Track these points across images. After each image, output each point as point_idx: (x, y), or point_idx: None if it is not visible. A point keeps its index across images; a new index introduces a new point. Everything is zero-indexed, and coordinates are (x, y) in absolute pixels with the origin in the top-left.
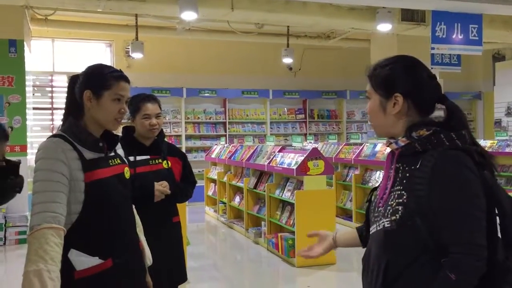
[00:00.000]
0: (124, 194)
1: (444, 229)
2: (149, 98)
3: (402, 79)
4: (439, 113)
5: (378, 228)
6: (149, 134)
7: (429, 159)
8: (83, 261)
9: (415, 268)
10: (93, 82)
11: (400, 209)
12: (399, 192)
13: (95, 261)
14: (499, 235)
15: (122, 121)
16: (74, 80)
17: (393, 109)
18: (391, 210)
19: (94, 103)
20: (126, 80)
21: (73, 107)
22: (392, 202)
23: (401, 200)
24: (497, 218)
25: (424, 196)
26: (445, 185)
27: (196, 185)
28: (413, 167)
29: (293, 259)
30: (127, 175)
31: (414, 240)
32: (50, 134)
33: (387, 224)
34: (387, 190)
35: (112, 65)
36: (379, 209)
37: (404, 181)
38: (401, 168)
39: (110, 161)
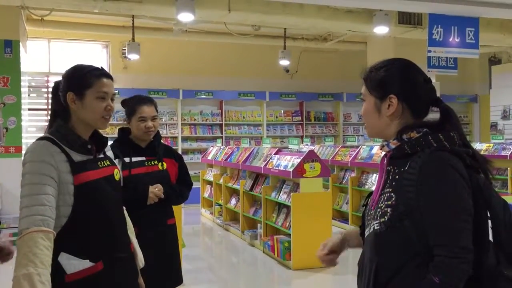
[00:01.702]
0: (114, 196)
1: (429, 231)
2: (145, 101)
3: (397, 81)
4: (434, 116)
5: (370, 231)
6: (144, 136)
7: (416, 160)
8: (73, 264)
9: (407, 271)
10: (74, 83)
11: (388, 211)
12: (388, 194)
13: (85, 264)
14: (491, 238)
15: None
16: (57, 85)
17: (387, 111)
18: (380, 212)
19: (78, 104)
20: (108, 76)
21: (60, 112)
22: (382, 205)
23: (390, 202)
24: (489, 221)
25: (412, 197)
26: (430, 186)
27: (192, 187)
28: (402, 169)
29: (289, 261)
30: (117, 177)
31: (403, 242)
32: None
33: (377, 226)
34: (378, 193)
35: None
36: (371, 212)
37: (394, 183)
38: (391, 170)
39: (99, 163)
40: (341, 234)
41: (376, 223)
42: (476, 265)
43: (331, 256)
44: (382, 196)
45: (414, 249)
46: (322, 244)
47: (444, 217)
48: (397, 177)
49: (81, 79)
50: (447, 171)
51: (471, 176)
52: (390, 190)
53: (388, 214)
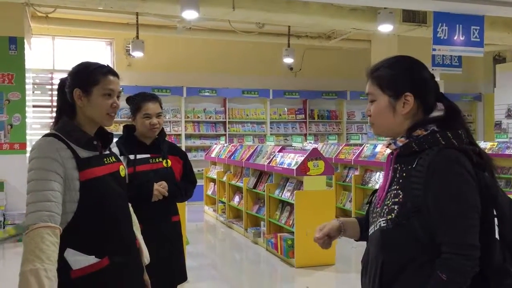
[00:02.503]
0: (119, 192)
1: (437, 228)
2: (149, 97)
3: (410, 78)
4: (437, 113)
5: (375, 228)
6: (149, 133)
7: (425, 158)
8: (79, 260)
9: (413, 268)
10: (80, 80)
11: (396, 208)
12: (395, 191)
13: (91, 260)
14: (497, 236)
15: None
16: (63, 82)
17: (403, 109)
18: (387, 210)
19: (84, 100)
20: (114, 74)
21: (66, 108)
22: (389, 202)
23: (397, 200)
24: (495, 219)
25: (420, 195)
26: (439, 183)
27: (196, 184)
28: (409, 167)
29: (292, 259)
30: (123, 173)
31: (410, 239)
32: (49, 131)
33: (383, 223)
34: (384, 191)
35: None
36: (377, 209)
37: (401, 181)
38: (398, 168)
39: (105, 159)
40: (338, 221)
41: (383, 220)
42: (483, 262)
43: (326, 240)
44: (389, 194)
45: (421, 247)
46: (318, 227)
47: (452, 214)
48: (404, 174)
49: (88, 76)
50: (455, 169)
51: (478, 174)
52: (397, 187)
53: (395, 211)
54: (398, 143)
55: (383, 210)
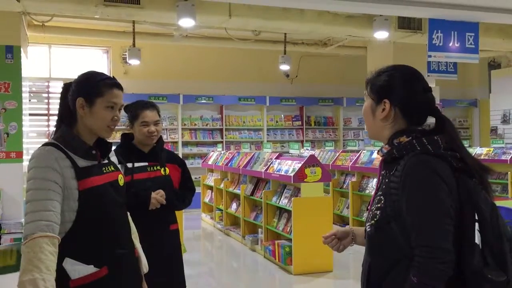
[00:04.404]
0: (118, 201)
1: (410, 232)
2: (147, 105)
3: (395, 88)
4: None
5: (366, 234)
6: (147, 141)
7: (402, 164)
8: (78, 269)
9: (398, 271)
10: (85, 90)
11: (378, 213)
12: (379, 197)
13: (90, 269)
14: (477, 241)
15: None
16: (67, 88)
17: (380, 114)
18: (371, 215)
19: (86, 110)
20: (119, 87)
21: (66, 115)
22: (373, 207)
23: (379, 205)
24: (476, 224)
25: (398, 200)
26: (411, 188)
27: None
28: (391, 173)
29: (290, 266)
30: (121, 182)
31: (391, 243)
32: (46, 140)
33: (368, 228)
34: (373, 197)
35: (108, 72)
36: (367, 215)
37: (384, 187)
38: (384, 174)
39: (104, 168)
40: (348, 227)
41: (368, 225)
42: (461, 267)
43: (335, 241)
44: (375, 199)
45: (402, 250)
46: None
47: (422, 218)
48: (386, 180)
49: (93, 87)
50: (425, 173)
51: (459, 179)
52: (381, 193)
53: (377, 216)
54: (384, 150)
55: (369, 216)
